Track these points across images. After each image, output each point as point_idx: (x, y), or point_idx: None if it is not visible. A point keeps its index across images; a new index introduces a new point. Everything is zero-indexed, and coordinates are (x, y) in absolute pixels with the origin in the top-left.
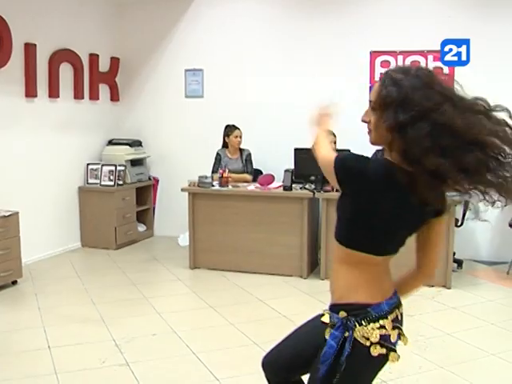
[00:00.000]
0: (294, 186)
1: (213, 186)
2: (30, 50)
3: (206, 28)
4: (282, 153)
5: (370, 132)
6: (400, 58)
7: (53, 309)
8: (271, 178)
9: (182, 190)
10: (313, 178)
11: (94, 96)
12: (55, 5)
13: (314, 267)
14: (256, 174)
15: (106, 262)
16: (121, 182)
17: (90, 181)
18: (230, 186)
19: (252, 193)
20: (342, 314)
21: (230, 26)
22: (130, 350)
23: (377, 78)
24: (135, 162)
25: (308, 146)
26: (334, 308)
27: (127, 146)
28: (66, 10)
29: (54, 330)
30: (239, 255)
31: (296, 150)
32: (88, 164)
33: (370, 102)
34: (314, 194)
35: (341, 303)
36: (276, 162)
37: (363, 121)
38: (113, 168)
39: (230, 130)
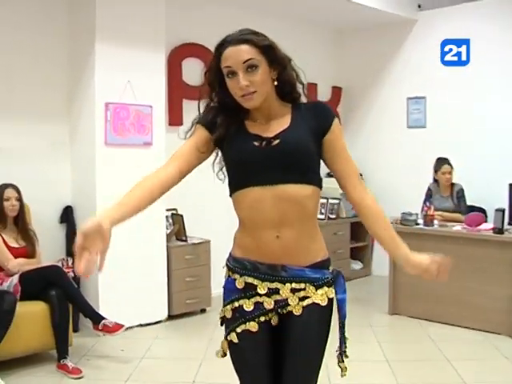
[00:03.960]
0: (507, 228)
1: (417, 224)
2: None
3: (429, 52)
4: (494, 189)
5: (251, 94)
6: None
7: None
8: (481, 218)
9: None
10: None
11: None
12: (274, 37)
13: None
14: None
15: None
16: (333, 216)
17: None
18: (435, 225)
19: (457, 234)
20: (331, 268)
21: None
22: None
23: None
24: None
25: None
26: (318, 266)
27: None
28: (286, 41)
29: (207, 365)
30: (440, 304)
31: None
32: None
33: (245, 62)
34: None
35: (325, 259)
36: (488, 199)
37: (246, 86)
38: (325, 201)
39: (438, 164)
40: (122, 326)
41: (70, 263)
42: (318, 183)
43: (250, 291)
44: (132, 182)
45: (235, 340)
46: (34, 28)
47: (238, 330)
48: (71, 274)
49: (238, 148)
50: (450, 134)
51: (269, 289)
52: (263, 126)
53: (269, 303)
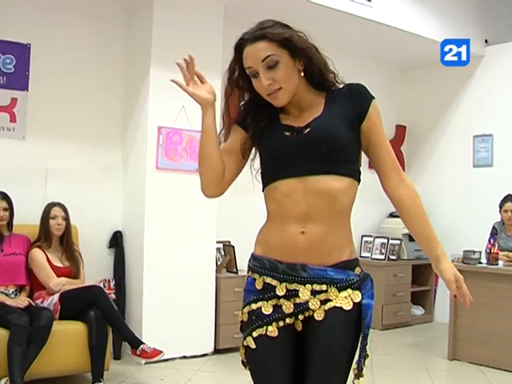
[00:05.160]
0: None
1: (480, 263)
2: None
3: (496, 88)
4: None
5: (277, 91)
6: None
7: None
8: None
9: None
10: None
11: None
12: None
13: None
14: None
15: None
16: (394, 257)
17: (363, 254)
18: (499, 264)
19: None
20: (358, 269)
21: None
22: None
23: None
24: None
25: None
26: (342, 266)
27: None
28: (350, 78)
29: None
30: (503, 349)
31: None
32: (362, 236)
33: (263, 60)
34: None
35: (351, 259)
36: None
37: (270, 85)
38: (385, 241)
39: (502, 202)
40: (161, 352)
41: (111, 285)
42: (355, 175)
43: (268, 292)
44: (182, 208)
45: (252, 345)
46: (90, 54)
47: (254, 334)
48: (112, 296)
49: (269, 139)
50: None
51: (288, 290)
52: (296, 117)
53: (288, 306)
